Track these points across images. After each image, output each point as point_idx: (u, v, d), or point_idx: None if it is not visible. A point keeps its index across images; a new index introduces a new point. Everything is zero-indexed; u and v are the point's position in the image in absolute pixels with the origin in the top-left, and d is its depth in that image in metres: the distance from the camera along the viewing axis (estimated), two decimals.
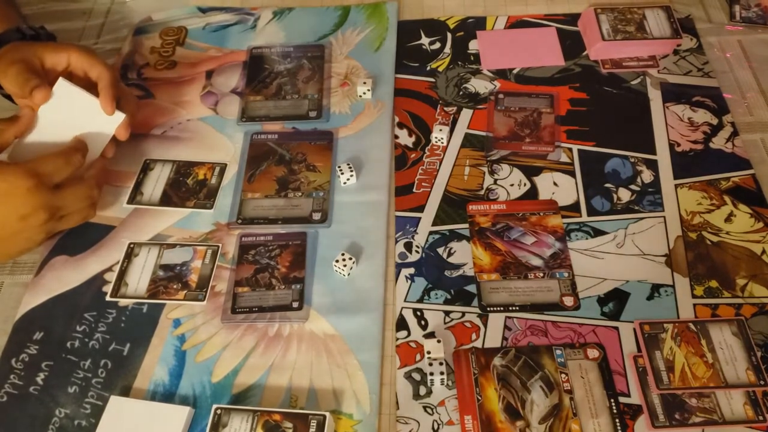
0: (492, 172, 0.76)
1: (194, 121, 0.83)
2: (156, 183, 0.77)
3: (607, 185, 0.74)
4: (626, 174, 0.75)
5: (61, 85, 0.69)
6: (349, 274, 0.68)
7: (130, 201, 0.75)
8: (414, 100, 0.83)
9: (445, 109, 0.82)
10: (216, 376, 0.63)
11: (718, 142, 0.77)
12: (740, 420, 0.58)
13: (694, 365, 0.61)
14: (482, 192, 0.74)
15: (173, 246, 0.71)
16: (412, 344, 0.64)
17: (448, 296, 0.67)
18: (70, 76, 0.72)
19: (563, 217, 0.72)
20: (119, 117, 0.71)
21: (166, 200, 0.75)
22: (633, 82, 0.83)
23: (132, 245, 0.71)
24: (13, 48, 0.73)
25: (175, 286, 0.68)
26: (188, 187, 0.76)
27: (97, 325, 0.66)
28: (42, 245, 0.70)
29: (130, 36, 0.92)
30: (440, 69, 0.86)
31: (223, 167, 0.78)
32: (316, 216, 0.73)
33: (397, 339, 0.65)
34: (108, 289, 0.68)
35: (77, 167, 0.68)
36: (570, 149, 0.78)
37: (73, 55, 0.72)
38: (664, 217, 0.71)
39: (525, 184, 0.75)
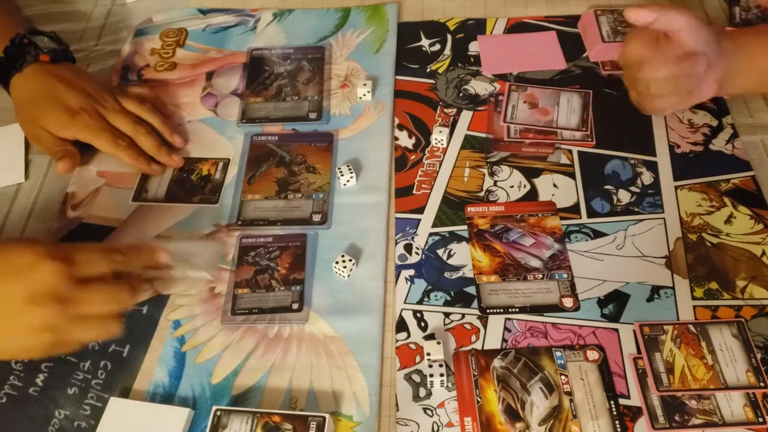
0: (492, 174, 0.76)
1: (194, 123, 0.83)
2: (161, 180, 0.77)
3: (607, 187, 0.74)
4: (626, 176, 0.75)
5: None
6: (348, 276, 0.68)
7: (135, 198, 0.75)
8: (414, 101, 0.83)
9: (445, 110, 0.82)
10: (216, 377, 0.63)
11: (718, 144, 0.77)
12: (740, 422, 0.58)
13: (694, 367, 0.61)
14: (482, 194, 0.74)
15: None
16: (412, 346, 0.64)
17: (448, 298, 0.67)
18: None
19: (563, 218, 0.72)
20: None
21: (171, 196, 0.75)
22: None
23: None
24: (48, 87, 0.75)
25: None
26: (193, 183, 0.76)
27: None
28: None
29: (131, 37, 0.92)
30: (440, 71, 0.86)
31: (227, 162, 0.78)
32: (316, 217, 0.73)
33: (397, 341, 0.65)
34: None
35: (113, 269, 0.57)
36: (570, 151, 0.77)
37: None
38: (664, 218, 0.71)
39: (525, 186, 0.75)
